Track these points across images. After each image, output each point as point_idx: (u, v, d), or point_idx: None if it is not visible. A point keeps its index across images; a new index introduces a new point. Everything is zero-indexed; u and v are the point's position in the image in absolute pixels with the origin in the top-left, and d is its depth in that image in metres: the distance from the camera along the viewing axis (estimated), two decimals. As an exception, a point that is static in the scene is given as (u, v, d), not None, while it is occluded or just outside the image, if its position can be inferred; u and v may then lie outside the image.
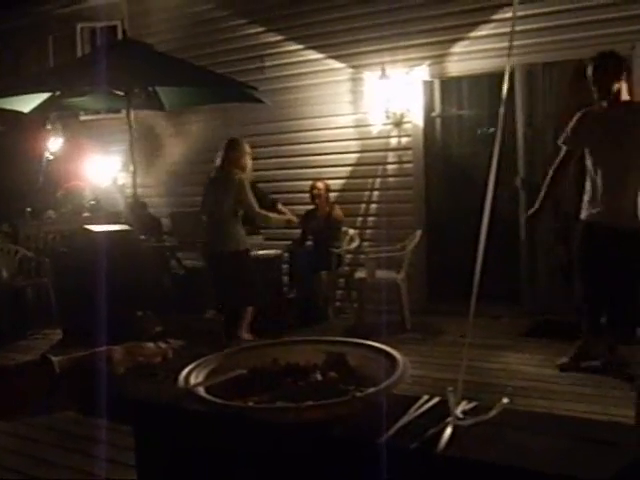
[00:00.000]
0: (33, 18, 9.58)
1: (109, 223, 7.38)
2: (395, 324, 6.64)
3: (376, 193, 7.53)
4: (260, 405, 1.36)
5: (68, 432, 4.39)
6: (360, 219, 7.62)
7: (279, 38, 7.99)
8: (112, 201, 8.38)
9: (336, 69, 7.65)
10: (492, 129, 7.14)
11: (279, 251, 7.24)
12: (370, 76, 7.42)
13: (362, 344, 1.57)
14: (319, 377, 1.48)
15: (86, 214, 7.71)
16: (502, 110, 1.57)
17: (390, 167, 7.42)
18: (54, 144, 8.43)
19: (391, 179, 7.41)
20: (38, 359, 1.45)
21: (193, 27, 8.49)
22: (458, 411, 1.35)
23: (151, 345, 1.55)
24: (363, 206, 7.61)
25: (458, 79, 7.16)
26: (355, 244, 7.43)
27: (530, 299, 6.80)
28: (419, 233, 6.90)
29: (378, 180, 7.49)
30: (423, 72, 7.18)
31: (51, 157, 8.35)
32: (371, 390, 1.36)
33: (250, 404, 1.36)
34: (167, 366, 1.50)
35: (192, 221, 7.10)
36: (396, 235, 7.09)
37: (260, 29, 8.12)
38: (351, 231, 7.52)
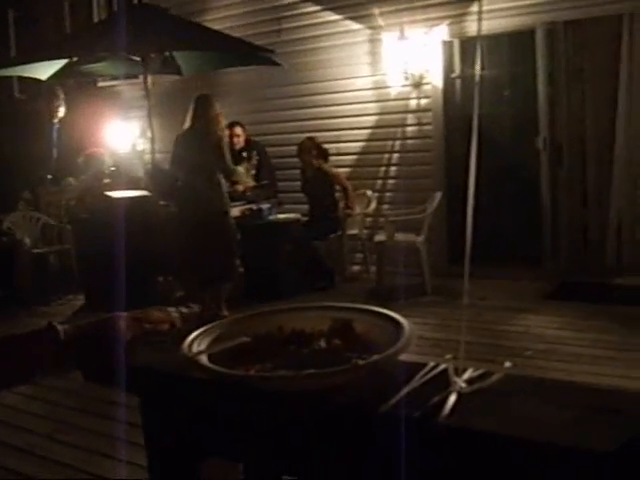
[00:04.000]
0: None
1: (129, 189, 7.40)
2: (415, 287, 6.62)
3: (395, 155, 7.45)
4: (260, 373, 1.35)
5: (86, 395, 4.43)
6: (379, 182, 7.56)
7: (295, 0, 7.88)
8: (132, 167, 8.37)
9: (353, 30, 7.53)
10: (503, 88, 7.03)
11: (298, 215, 7.21)
12: (388, 37, 7.29)
13: (369, 310, 1.55)
14: (323, 344, 1.46)
15: (106, 180, 7.70)
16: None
17: (409, 129, 7.33)
18: (62, 111, 8.40)
19: (410, 141, 7.33)
20: (44, 326, 1.45)
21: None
22: (464, 378, 1.33)
23: (158, 312, 1.54)
24: (382, 169, 7.54)
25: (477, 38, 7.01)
26: (372, 206, 7.38)
27: (552, 261, 6.73)
28: (439, 195, 6.84)
29: (397, 142, 7.41)
30: (442, 32, 7.05)
31: (57, 124, 8.32)
32: (373, 358, 1.34)
33: (252, 372, 1.35)
34: (175, 333, 1.50)
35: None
36: (416, 198, 7.03)
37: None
38: (369, 193, 7.47)
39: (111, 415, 3.76)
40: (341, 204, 7.29)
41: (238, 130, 7.57)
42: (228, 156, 5.98)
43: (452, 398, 1.26)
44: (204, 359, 1.39)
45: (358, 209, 7.40)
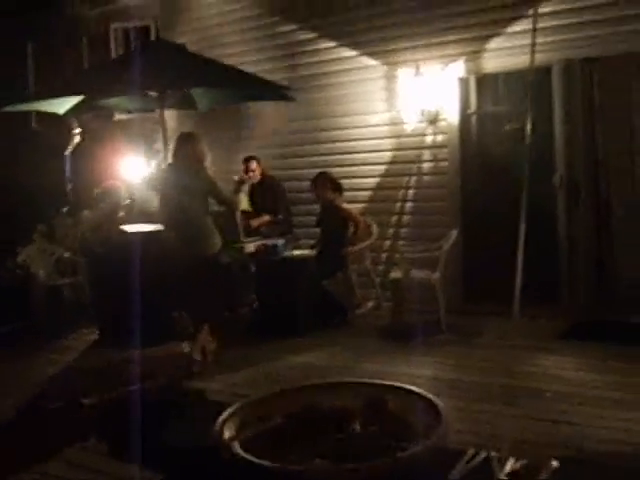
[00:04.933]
0: (68, 19, 9.62)
1: (144, 222, 7.40)
2: (430, 325, 6.57)
3: (410, 192, 7.44)
4: (303, 467, 1.31)
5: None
6: (395, 217, 7.54)
7: (311, 36, 7.93)
8: (147, 200, 8.38)
9: (369, 66, 7.57)
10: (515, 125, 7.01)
11: (313, 251, 7.18)
12: (404, 73, 7.32)
13: (401, 388, 1.52)
14: (358, 428, 1.43)
15: (122, 213, 7.72)
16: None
17: (425, 165, 7.33)
18: (76, 140, 8.47)
19: (426, 177, 7.33)
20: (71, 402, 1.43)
21: (224, 26, 8.46)
22: (506, 471, 1.29)
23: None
24: (397, 205, 7.52)
25: (494, 75, 7.02)
26: (372, 239, 7.30)
27: (569, 299, 6.67)
28: (455, 232, 6.81)
29: (413, 178, 7.41)
30: (458, 69, 7.07)
31: (71, 155, 8.38)
32: (415, 448, 1.31)
33: (291, 464, 1.31)
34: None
35: (227, 220, 7.09)
36: (431, 234, 7.01)
37: (293, 26, 8.06)
38: (374, 226, 7.41)
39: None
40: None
41: (253, 165, 7.60)
42: (221, 189, 5.99)
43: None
44: (237, 446, 1.36)
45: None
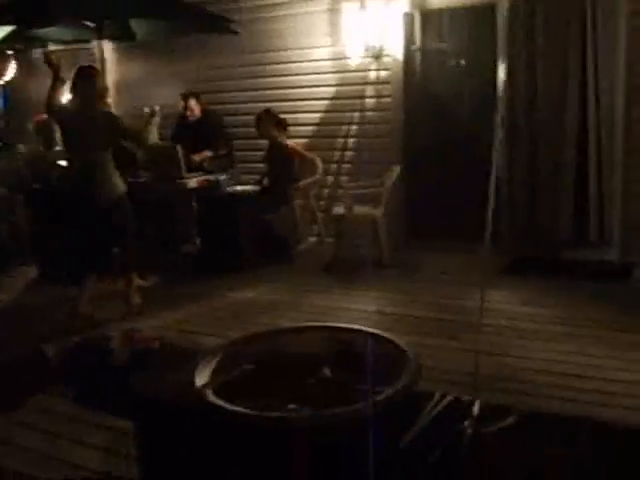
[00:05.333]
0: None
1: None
2: (373, 260, 6.65)
3: (354, 127, 7.41)
4: (279, 414, 1.33)
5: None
6: (337, 153, 7.53)
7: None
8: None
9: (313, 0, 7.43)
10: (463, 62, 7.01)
11: (256, 187, 7.14)
12: (348, 7, 7.21)
13: (370, 333, 1.54)
14: (328, 373, 1.45)
15: (57, 148, 7.49)
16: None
17: (368, 101, 7.28)
18: (11, 73, 8.15)
19: (369, 113, 7.29)
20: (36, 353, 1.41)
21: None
22: (474, 411, 1.33)
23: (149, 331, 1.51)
24: (340, 140, 7.50)
25: (439, 11, 6.97)
26: (317, 176, 7.28)
27: (509, 236, 6.80)
28: (398, 168, 6.85)
29: (356, 114, 7.37)
30: (403, 3, 7.00)
31: (1, 89, 8.07)
32: (389, 392, 1.33)
33: (263, 411, 1.32)
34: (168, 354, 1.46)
35: (166, 155, 6.97)
36: (374, 170, 7.02)
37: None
38: (317, 161, 7.37)
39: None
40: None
41: (192, 103, 7.41)
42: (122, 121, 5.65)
43: (468, 436, 1.26)
44: (210, 394, 1.36)
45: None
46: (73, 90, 5.55)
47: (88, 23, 6.75)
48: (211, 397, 1.38)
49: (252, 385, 1.45)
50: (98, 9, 6.26)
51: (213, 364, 1.52)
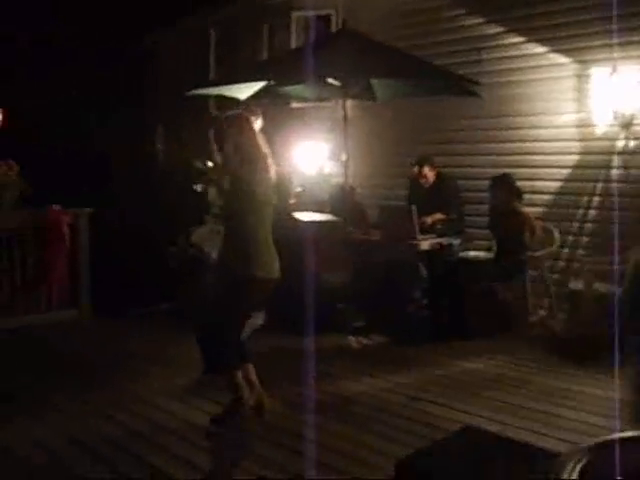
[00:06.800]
0: (249, 7, 9.76)
1: (315, 212, 7.41)
2: (611, 341, 6.18)
3: (596, 199, 7.03)
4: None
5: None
6: (576, 225, 7.15)
7: (499, 30, 7.64)
8: (317, 190, 8.39)
9: (559, 64, 7.20)
10: None
11: (489, 254, 6.94)
12: (597, 72, 6.91)
13: None
14: None
15: (292, 201, 7.73)
16: None
17: (615, 172, 6.89)
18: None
19: (615, 185, 6.88)
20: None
21: (408, 17, 8.32)
22: None
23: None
24: (581, 211, 7.12)
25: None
26: (553, 247, 6.96)
27: None
28: (645, 247, 6.38)
29: (600, 185, 6.99)
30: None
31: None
32: None
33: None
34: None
35: (399, 215, 6.98)
36: (617, 245, 6.58)
37: (479, 20, 7.82)
38: (556, 233, 7.07)
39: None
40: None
41: (426, 170, 7.35)
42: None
43: None
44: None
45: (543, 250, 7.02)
46: None
47: (333, 81, 6.93)
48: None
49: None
50: (343, 67, 6.43)
51: (577, 469, 1.33)
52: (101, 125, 11.51)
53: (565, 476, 1.23)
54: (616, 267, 6.31)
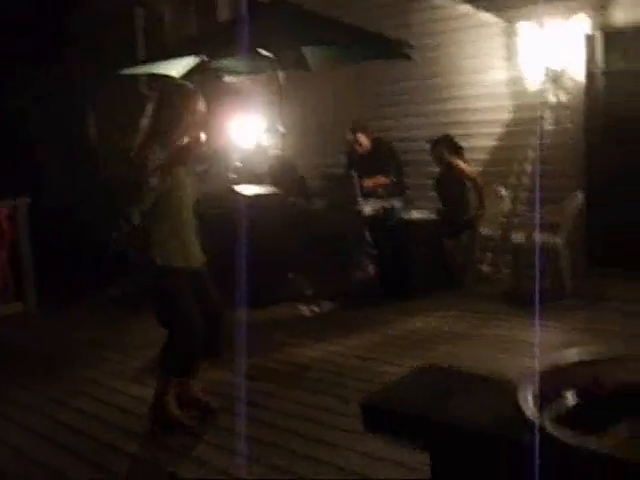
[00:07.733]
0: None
1: (255, 185, 7.38)
2: (554, 290, 6.36)
3: (531, 153, 7.18)
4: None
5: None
6: (514, 180, 7.30)
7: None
8: (257, 163, 8.34)
9: (488, 22, 7.29)
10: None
11: (431, 214, 7.04)
12: (525, 29, 7.02)
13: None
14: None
15: (232, 175, 7.68)
16: None
17: (547, 126, 7.04)
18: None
19: (548, 139, 7.03)
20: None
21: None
22: None
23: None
24: (517, 167, 7.27)
25: (623, 31, 6.66)
26: (506, 206, 7.12)
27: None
28: (581, 195, 6.56)
29: (533, 140, 7.14)
30: (584, 24, 6.73)
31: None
32: None
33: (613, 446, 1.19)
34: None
35: (340, 182, 7.02)
36: (552, 197, 6.74)
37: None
38: (502, 191, 7.21)
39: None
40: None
41: (361, 137, 7.35)
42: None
43: None
44: (551, 425, 1.24)
45: (490, 208, 7.15)
46: None
47: (266, 53, 6.87)
48: (554, 429, 1.27)
49: (577, 416, 1.32)
50: (275, 39, 6.40)
51: (532, 392, 1.40)
52: (26, 112, 11.13)
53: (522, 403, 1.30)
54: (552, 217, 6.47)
